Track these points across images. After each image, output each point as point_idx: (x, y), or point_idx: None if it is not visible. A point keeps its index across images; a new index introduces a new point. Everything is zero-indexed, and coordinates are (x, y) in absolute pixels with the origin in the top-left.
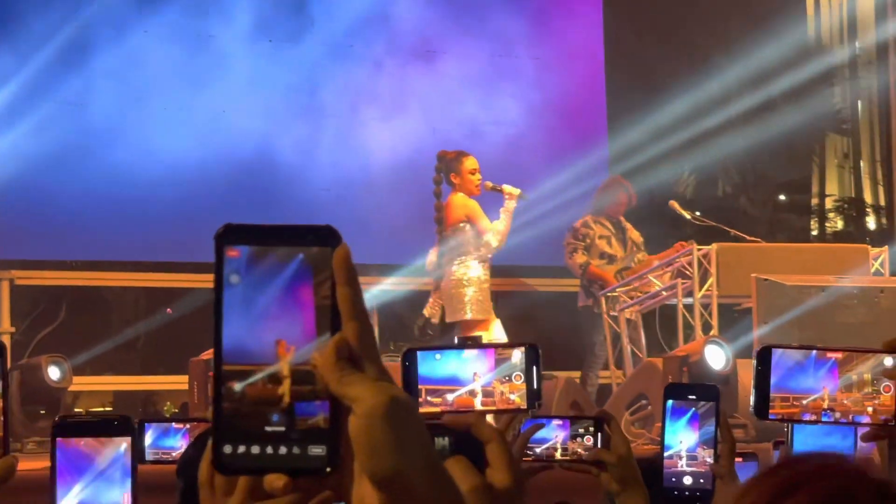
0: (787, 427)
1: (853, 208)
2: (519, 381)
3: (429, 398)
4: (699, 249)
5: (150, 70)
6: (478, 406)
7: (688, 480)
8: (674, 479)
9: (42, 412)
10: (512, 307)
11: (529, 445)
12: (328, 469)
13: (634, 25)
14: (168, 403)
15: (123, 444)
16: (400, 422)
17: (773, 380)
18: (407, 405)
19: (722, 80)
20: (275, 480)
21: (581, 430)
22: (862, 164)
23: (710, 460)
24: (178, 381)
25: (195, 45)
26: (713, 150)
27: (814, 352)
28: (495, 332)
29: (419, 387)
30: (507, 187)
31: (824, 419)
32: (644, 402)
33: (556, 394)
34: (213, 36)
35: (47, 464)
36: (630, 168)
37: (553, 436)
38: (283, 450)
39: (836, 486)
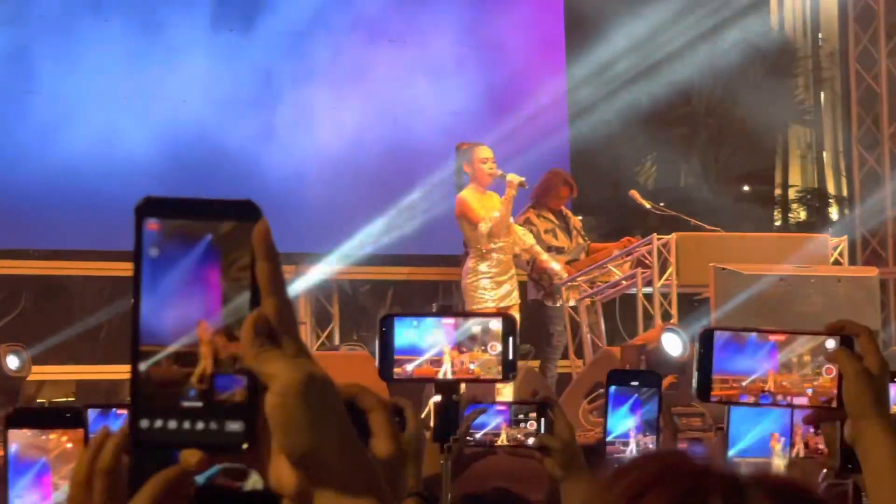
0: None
1: (816, 199)
2: (494, 352)
3: (396, 366)
4: (659, 239)
5: (108, 58)
6: (440, 375)
7: None
8: (616, 465)
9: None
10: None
11: (470, 431)
12: (245, 445)
13: (593, 20)
14: None
15: (77, 435)
16: (315, 399)
17: (715, 362)
18: (323, 382)
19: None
20: (189, 456)
21: (522, 416)
22: (825, 155)
23: (651, 446)
24: None
25: (154, 33)
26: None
27: (754, 334)
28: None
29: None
30: (509, 175)
31: (762, 401)
32: (602, 390)
33: (517, 383)
34: (173, 24)
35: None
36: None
37: (494, 421)
38: (200, 425)
39: (686, 486)
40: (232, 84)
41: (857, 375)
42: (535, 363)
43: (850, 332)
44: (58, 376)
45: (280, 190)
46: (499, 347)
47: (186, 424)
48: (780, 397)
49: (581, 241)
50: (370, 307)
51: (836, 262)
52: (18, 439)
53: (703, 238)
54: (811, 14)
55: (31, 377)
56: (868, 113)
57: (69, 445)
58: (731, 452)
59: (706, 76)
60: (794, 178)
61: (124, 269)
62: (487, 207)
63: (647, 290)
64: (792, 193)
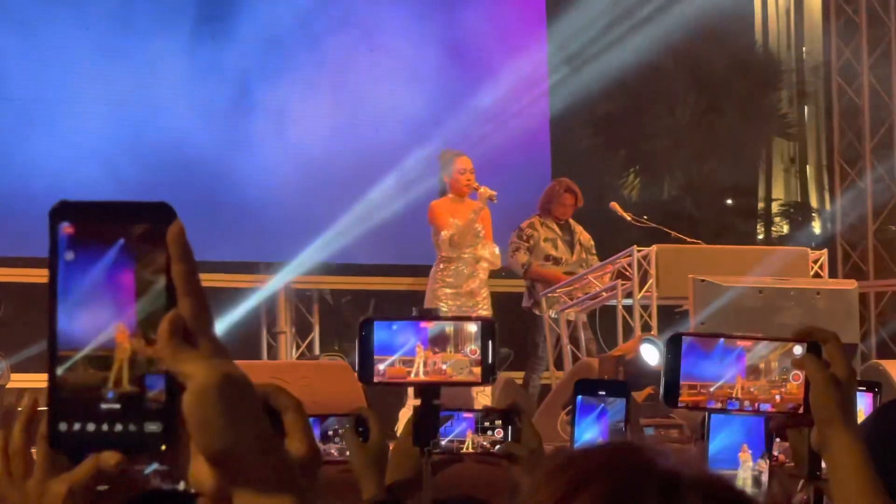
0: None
1: (799, 213)
2: (474, 356)
3: (376, 367)
4: (639, 251)
5: (84, 64)
6: (412, 377)
7: None
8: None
9: None
10: None
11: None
12: (163, 446)
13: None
14: None
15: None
16: (232, 399)
17: (683, 368)
18: (240, 382)
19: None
20: (109, 458)
21: (489, 423)
22: (808, 168)
23: None
24: None
25: (135, 42)
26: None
27: (722, 340)
28: None
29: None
30: (481, 188)
31: (730, 407)
32: None
33: (496, 394)
34: (155, 34)
35: None
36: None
37: (460, 427)
38: (118, 427)
39: (622, 482)
40: (211, 92)
41: (825, 382)
42: (519, 374)
43: (818, 339)
44: (40, 384)
45: (261, 199)
46: (477, 351)
47: (105, 427)
48: (747, 403)
49: (584, 255)
50: (352, 317)
51: (817, 275)
52: None
53: (683, 250)
54: (795, 27)
55: (10, 385)
56: (850, 126)
57: None
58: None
59: (690, 88)
60: (778, 191)
61: None
62: (460, 216)
63: (628, 301)
64: (775, 207)
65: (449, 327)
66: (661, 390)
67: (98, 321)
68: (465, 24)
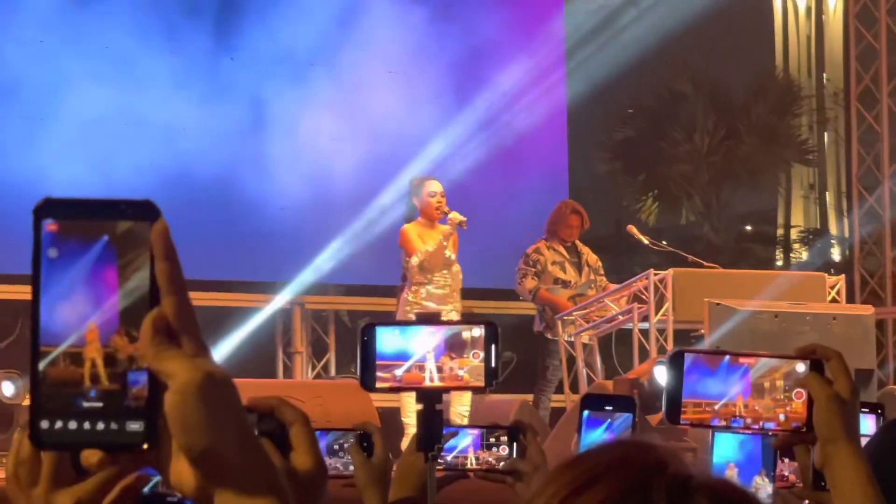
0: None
1: (818, 239)
2: (478, 360)
3: (379, 374)
4: (656, 274)
5: (101, 82)
6: (427, 382)
7: None
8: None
9: None
10: None
11: (441, 454)
12: (145, 445)
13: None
14: None
15: None
16: (214, 398)
17: (685, 385)
18: (222, 382)
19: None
20: (90, 456)
21: (493, 440)
22: (827, 195)
23: None
24: None
25: (155, 61)
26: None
27: (726, 357)
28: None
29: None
30: (451, 213)
31: (734, 425)
32: None
33: (511, 417)
34: (175, 53)
35: None
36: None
37: (465, 445)
38: (100, 425)
39: (632, 480)
40: (232, 113)
41: (828, 399)
42: (529, 397)
43: (821, 356)
44: None
45: (279, 220)
46: (480, 355)
47: (87, 425)
48: (751, 421)
49: (593, 276)
50: None
51: (834, 301)
52: None
53: (699, 274)
54: (816, 54)
55: (26, 403)
56: (869, 152)
57: None
58: None
59: (710, 113)
60: (797, 217)
61: None
62: (430, 242)
63: (644, 325)
64: (794, 233)
65: (466, 333)
66: (664, 406)
67: (78, 318)
68: (484, 49)
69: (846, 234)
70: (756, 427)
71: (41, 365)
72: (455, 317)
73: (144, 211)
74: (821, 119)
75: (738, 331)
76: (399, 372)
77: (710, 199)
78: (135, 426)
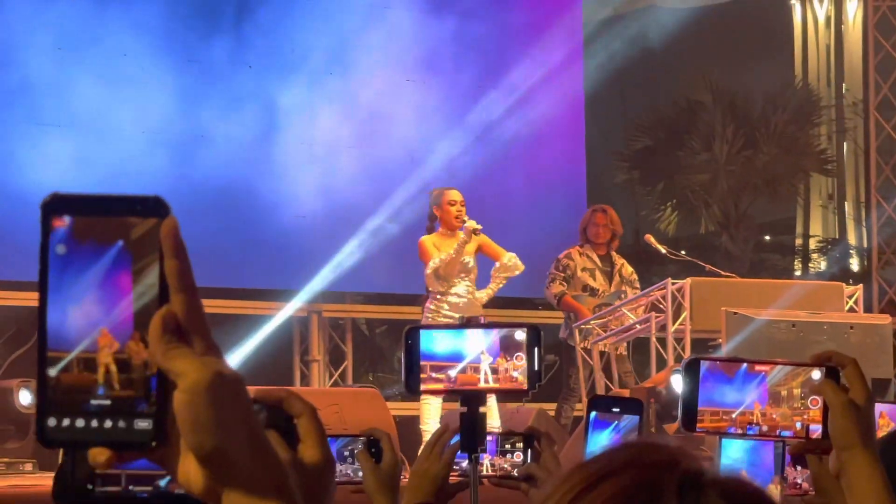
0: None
1: (836, 249)
2: (521, 361)
3: (432, 374)
4: (673, 283)
5: (126, 91)
6: (482, 384)
7: None
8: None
9: (11, 433)
10: None
11: (456, 461)
12: (153, 443)
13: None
14: None
15: None
16: (223, 398)
17: (701, 393)
18: (231, 381)
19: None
20: (98, 455)
21: (508, 447)
22: (846, 205)
23: None
24: None
25: (174, 69)
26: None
27: (743, 365)
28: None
29: (421, 363)
30: (468, 221)
31: (750, 432)
32: None
33: (528, 425)
34: (193, 60)
35: (13, 482)
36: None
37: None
38: (108, 423)
39: (643, 476)
40: (250, 120)
41: (843, 407)
42: (552, 405)
43: (837, 363)
44: None
45: (298, 228)
46: (523, 358)
47: (94, 422)
48: (768, 429)
49: (624, 287)
50: (386, 348)
51: (851, 310)
52: None
53: (717, 283)
54: (835, 63)
55: None
56: (887, 162)
57: None
58: None
59: (728, 123)
60: (816, 228)
61: None
62: (447, 249)
63: (661, 334)
64: (813, 244)
65: (520, 335)
66: (680, 414)
67: (91, 322)
68: (501, 59)
69: (864, 244)
70: (772, 435)
71: (54, 371)
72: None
73: (154, 207)
74: (839, 129)
75: (755, 340)
76: (453, 373)
77: (729, 208)
78: (143, 424)
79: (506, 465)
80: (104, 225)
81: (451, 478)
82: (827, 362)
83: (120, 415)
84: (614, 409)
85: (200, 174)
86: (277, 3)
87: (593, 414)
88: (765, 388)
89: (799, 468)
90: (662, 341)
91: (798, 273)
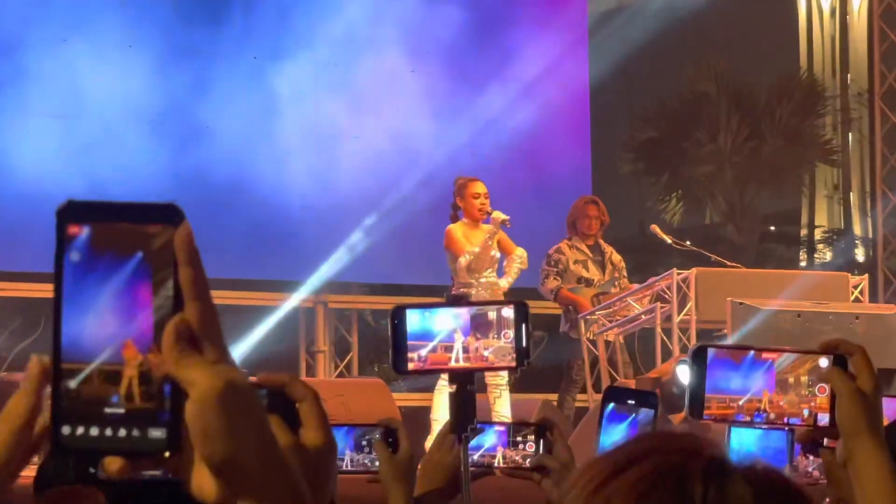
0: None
1: (842, 240)
2: (507, 340)
3: (408, 354)
4: (679, 274)
5: (132, 82)
6: (453, 363)
7: None
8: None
9: None
10: None
11: (469, 451)
12: (167, 453)
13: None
14: None
15: None
16: (234, 407)
17: (708, 380)
18: (243, 390)
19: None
20: (111, 463)
21: (521, 438)
22: (852, 195)
23: None
24: None
25: (178, 59)
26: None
27: (750, 352)
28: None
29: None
30: (494, 213)
31: (757, 420)
32: None
33: (534, 416)
34: (199, 52)
35: (21, 473)
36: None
37: (492, 442)
38: (122, 432)
39: (668, 462)
40: (254, 111)
41: (850, 395)
42: (554, 396)
43: (844, 351)
44: None
45: (303, 219)
46: (511, 335)
47: (108, 431)
48: (775, 417)
49: (616, 275)
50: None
51: (857, 300)
52: None
53: (723, 273)
54: (840, 54)
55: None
56: (893, 152)
57: None
58: None
59: (733, 114)
60: (821, 218)
61: None
62: (475, 242)
63: (667, 324)
64: (818, 234)
65: (492, 313)
66: (687, 401)
67: (110, 333)
68: (507, 49)
69: (870, 234)
70: (780, 423)
71: (74, 382)
72: None
73: (169, 214)
74: (845, 119)
75: (760, 330)
76: (424, 352)
77: (734, 199)
78: (157, 433)
79: (518, 458)
80: (123, 235)
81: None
82: (835, 350)
83: (134, 423)
84: (630, 402)
85: (205, 164)
86: None
87: (609, 406)
88: (772, 376)
89: (811, 457)
90: (668, 332)
91: (803, 264)
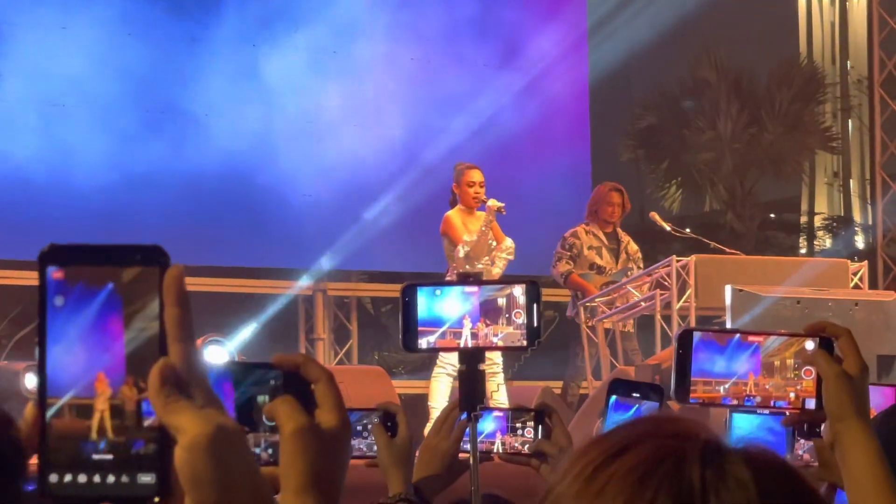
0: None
1: (842, 227)
2: (519, 320)
3: (418, 332)
4: (678, 261)
5: (130, 71)
6: (462, 346)
7: None
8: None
9: (18, 416)
10: None
11: (465, 436)
12: (157, 498)
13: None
14: None
15: None
16: (223, 453)
17: (694, 364)
18: (232, 435)
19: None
20: None
21: (519, 424)
22: (852, 182)
23: None
24: None
25: (177, 47)
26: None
27: (736, 336)
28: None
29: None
30: (490, 201)
31: (746, 404)
32: None
33: (533, 404)
34: (196, 39)
35: None
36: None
37: (491, 428)
38: (111, 478)
39: (664, 446)
40: (256, 99)
41: (836, 377)
42: (558, 384)
43: (830, 333)
44: None
45: (303, 206)
46: (522, 314)
47: (97, 478)
48: (761, 400)
49: (630, 265)
50: (392, 327)
51: (856, 287)
52: None
53: (722, 261)
54: (840, 41)
55: None
56: (892, 139)
57: None
58: None
59: (733, 101)
60: (821, 205)
61: None
62: (472, 230)
63: (667, 312)
64: (818, 221)
65: (501, 299)
66: (672, 386)
67: (83, 367)
68: (506, 38)
69: (870, 222)
70: (767, 406)
71: (48, 417)
72: None
73: (153, 256)
74: (844, 106)
75: (760, 317)
76: (433, 338)
77: (734, 186)
78: (146, 478)
79: (517, 444)
80: (100, 272)
81: (461, 454)
82: (821, 333)
83: (123, 469)
84: (635, 394)
85: (204, 153)
86: None
87: (613, 398)
88: (758, 359)
89: (802, 440)
90: (667, 319)
91: (803, 251)
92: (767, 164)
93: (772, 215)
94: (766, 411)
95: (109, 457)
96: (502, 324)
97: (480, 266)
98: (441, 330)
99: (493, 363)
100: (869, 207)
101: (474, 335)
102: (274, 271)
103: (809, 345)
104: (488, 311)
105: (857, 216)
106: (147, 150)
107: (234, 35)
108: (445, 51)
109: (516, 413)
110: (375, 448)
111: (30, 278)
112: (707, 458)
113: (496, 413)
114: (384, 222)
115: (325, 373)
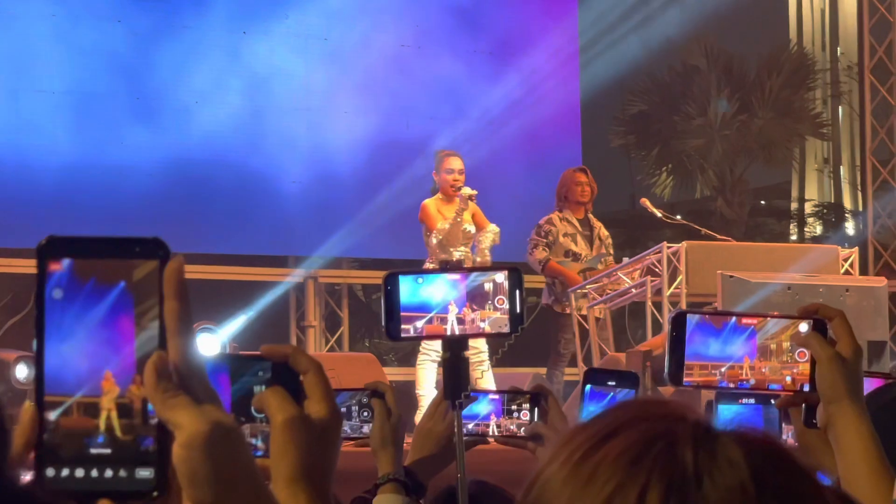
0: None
1: (832, 213)
2: (502, 306)
3: (402, 325)
4: (669, 247)
5: (120, 59)
6: (448, 333)
7: None
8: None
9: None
10: None
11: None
12: (155, 493)
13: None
14: None
15: None
16: (221, 450)
17: (690, 347)
18: (229, 431)
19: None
20: None
21: (515, 407)
22: (842, 169)
23: None
24: None
25: (167, 35)
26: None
27: (731, 319)
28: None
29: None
30: (464, 188)
31: (741, 387)
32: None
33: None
34: (187, 27)
35: None
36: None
37: (487, 411)
38: (108, 472)
39: (655, 428)
40: (244, 86)
41: (829, 359)
42: (543, 370)
43: (824, 316)
44: None
45: (291, 193)
46: (505, 301)
47: (94, 472)
48: (756, 383)
49: (604, 250)
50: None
51: (847, 273)
52: None
53: (713, 247)
54: (830, 27)
55: None
56: (882, 125)
57: None
58: None
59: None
60: (811, 192)
61: None
62: (448, 217)
63: (657, 298)
64: (808, 208)
65: (488, 284)
66: (666, 368)
67: (92, 366)
68: (497, 24)
69: (860, 208)
70: (762, 389)
71: (53, 415)
72: None
73: (153, 249)
74: (835, 93)
75: (751, 303)
76: (420, 324)
77: (724, 173)
78: (145, 473)
79: (512, 427)
80: (106, 265)
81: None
82: (814, 315)
83: (121, 463)
84: (609, 383)
85: (195, 141)
86: None
87: (588, 387)
88: (753, 342)
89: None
90: (658, 305)
91: (794, 237)
92: (758, 150)
93: (762, 202)
94: (763, 393)
95: (108, 451)
96: (489, 309)
97: (458, 254)
98: (428, 316)
99: (479, 351)
100: (859, 193)
101: (461, 320)
102: (264, 258)
103: (803, 327)
104: (475, 297)
105: (847, 202)
106: (136, 137)
107: (223, 22)
108: (436, 37)
109: (512, 396)
110: (363, 430)
111: (21, 266)
112: (699, 440)
113: (491, 396)
114: (374, 209)
115: (313, 363)
